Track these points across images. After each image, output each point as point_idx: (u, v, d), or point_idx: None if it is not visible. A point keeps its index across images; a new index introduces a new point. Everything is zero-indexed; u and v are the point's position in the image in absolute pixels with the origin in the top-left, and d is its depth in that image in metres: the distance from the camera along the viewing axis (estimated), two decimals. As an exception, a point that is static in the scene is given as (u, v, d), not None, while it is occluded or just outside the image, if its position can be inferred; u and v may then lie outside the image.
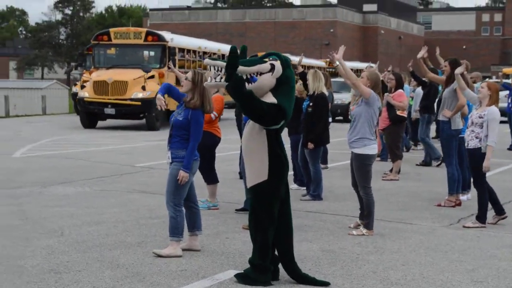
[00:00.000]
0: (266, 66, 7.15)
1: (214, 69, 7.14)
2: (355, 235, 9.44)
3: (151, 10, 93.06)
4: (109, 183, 13.77)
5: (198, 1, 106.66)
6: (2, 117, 35.27)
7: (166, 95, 8.54)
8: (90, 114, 28.36)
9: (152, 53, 29.90)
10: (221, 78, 7.11)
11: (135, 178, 14.57)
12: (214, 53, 33.77)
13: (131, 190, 13.02)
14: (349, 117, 10.12)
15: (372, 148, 9.47)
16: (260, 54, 45.32)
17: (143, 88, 27.30)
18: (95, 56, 30.05)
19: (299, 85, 12.88)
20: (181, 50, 30.87)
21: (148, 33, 29.51)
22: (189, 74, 8.33)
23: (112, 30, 30.41)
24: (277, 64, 7.16)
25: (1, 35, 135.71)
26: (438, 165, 16.70)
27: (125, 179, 14.43)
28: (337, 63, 9.72)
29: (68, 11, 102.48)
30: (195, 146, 8.20)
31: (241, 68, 7.06)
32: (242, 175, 13.83)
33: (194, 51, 32.36)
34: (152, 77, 28.01)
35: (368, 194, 9.53)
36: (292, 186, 12.96)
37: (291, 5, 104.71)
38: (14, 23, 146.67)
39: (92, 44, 30.61)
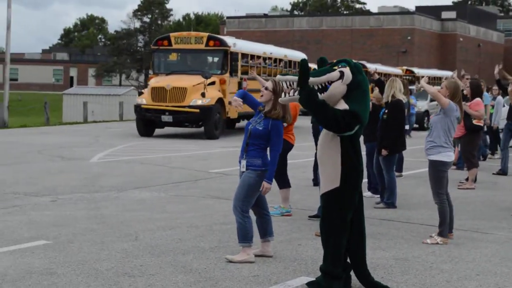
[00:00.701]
0: (335, 74, 7.14)
1: (286, 84, 7.18)
2: (429, 243, 9.34)
3: (228, 18, 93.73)
4: (184, 189, 13.92)
5: (274, 8, 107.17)
6: (80, 123, 35.99)
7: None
8: (147, 122, 27.32)
9: (213, 59, 29.07)
10: (294, 91, 7.15)
11: (209, 184, 14.70)
12: (281, 59, 33.45)
13: (205, 195, 13.13)
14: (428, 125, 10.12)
15: (447, 155, 9.42)
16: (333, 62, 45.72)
17: (203, 95, 26.25)
18: (154, 62, 29.16)
19: (376, 92, 12.88)
20: (245, 55, 29.93)
21: (209, 38, 28.61)
22: (269, 84, 8.34)
23: (172, 34, 29.50)
24: (346, 70, 7.14)
25: (81, 43, 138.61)
26: (494, 173, 16.80)
27: (200, 184, 14.56)
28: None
29: (146, 19, 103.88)
30: (277, 156, 8.21)
31: (311, 79, 7.08)
32: (315, 182, 13.88)
33: (259, 57, 31.46)
34: (213, 83, 27.02)
35: (442, 201, 9.45)
36: (366, 193, 12.89)
37: (368, 13, 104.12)
38: (94, 31, 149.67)
39: (152, 50, 29.87)
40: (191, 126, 27.68)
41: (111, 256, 8.44)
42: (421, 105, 33.19)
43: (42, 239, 9.26)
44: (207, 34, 29.72)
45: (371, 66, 39.97)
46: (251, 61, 30.36)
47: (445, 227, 9.46)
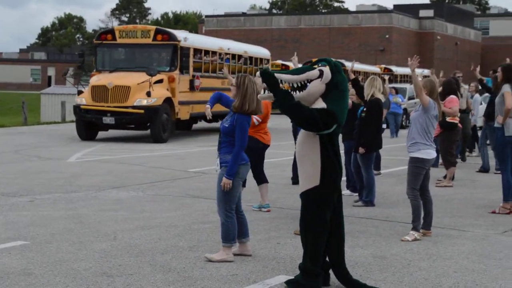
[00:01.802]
0: (315, 72, 7.17)
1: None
2: (410, 240, 9.39)
3: (206, 16, 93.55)
4: (162, 188, 13.89)
5: (253, 7, 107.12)
6: (58, 123, 35.82)
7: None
8: (88, 124, 24.94)
9: (162, 54, 26.59)
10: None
11: (188, 183, 14.67)
12: (240, 56, 31.48)
13: (184, 195, 13.11)
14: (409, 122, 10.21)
15: (427, 152, 9.51)
16: (315, 59, 45.46)
17: (148, 94, 23.87)
18: (97, 58, 26.78)
19: (353, 91, 12.92)
20: (198, 51, 27.58)
21: (157, 32, 26.15)
22: (234, 80, 8.39)
23: (117, 28, 27.28)
24: (326, 69, 7.17)
25: (59, 42, 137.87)
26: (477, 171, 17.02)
27: (179, 184, 14.54)
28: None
29: (124, 18, 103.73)
30: (239, 152, 8.18)
31: (290, 77, 7.11)
32: (294, 180, 13.91)
33: (214, 52, 29.05)
34: (161, 81, 24.85)
35: (415, 197, 9.61)
36: (345, 192, 12.92)
37: (346, 11, 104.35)
38: (72, 30, 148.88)
39: (95, 44, 27.26)
40: (136, 129, 25.76)
41: (89, 256, 8.41)
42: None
43: (20, 240, 9.20)
44: (154, 27, 27.13)
45: (348, 64, 40.09)
46: (205, 57, 28.27)
47: (419, 222, 9.63)
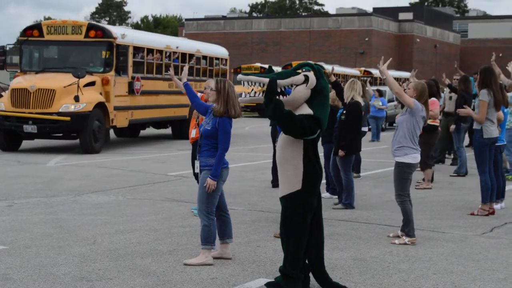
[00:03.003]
0: (300, 78, 7.15)
1: (248, 84, 7.16)
2: (397, 244, 9.39)
3: (186, 20, 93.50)
4: (142, 192, 13.86)
5: (233, 10, 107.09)
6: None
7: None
8: (8, 132, 21.72)
9: (95, 53, 23.03)
10: (255, 93, 7.17)
11: (168, 186, 14.65)
12: (192, 54, 28.43)
13: (163, 198, 13.09)
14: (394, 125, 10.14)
15: (412, 157, 9.47)
16: (294, 64, 45.14)
17: (76, 98, 20.76)
18: (23, 57, 23.39)
19: (332, 94, 12.89)
20: (139, 49, 24.53)
21: (90, 27, 22.76)
22: (212, 84, 8.39)
23: (44, 23, 23.66)
24: (311, 75, 7.17)
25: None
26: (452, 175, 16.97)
27: (158, 187, 14.51)
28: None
29: (104, 22, 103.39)
30: (223, 154, 8.24)
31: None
32: (274, 183, 13.94)
33: (160, 51, 25.94)
34: (92, 84, 21.75)
35: (403, 202, 9.52)
36: (325, 194, 12.95)
37: (326, 14, 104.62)
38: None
39: (20, 41, 23.83)
40: (63, 138, 22.53)
41: (68, 261, 8.38)
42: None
43: (-2, 245, 9.16)
44: (87, 22, 23.76)
45: (328, 67, 40.18)
46: (148, 57, 25.07)
47: (411, 227, 9.52)
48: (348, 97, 12.36)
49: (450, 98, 18.72)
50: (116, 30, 23.46)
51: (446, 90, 19.17)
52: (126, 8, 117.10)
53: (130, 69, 23.42)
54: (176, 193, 13.71)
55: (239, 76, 7.27)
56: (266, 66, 49.00)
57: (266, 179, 15.04)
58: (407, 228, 9.53)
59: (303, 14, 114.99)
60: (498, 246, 9.47)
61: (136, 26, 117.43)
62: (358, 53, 78.00)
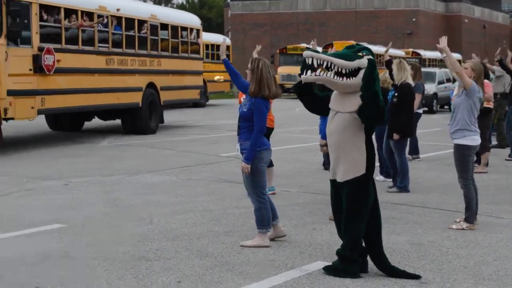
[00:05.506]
0: (364, 61, 7.04)
1: (317, 61, 7.00)
2: (455, 229, 9.26)
3: (231, 0, 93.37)
4: (195, 172, 13.91)
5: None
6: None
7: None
8: None
9: None
10: (321, 72, 7.01)
11: (220, 167, 14.68)
12: (143, 21, 21.86)
13: (217, 179, 13.12)
14: (451, 107, 9.92)
15: (473, 138, 9.25)
16: (337, 43, 44.60)
17: None
18: None
19: (383, 75, 12.71)
20: (52, 9, 17.90)
21: None
22: (249, 64, 8.33)
23: None
24: (374, 60, 7.09)
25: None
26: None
27: (211, 168, 14.55)
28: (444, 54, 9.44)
29: (149, 2, 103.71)
30: (257, 136, 8.10)
31: (342, 62, 6.94)
32: (326, 166, 13.90)
33: (89, 14, 19.24)
34: None
35: (467, 186, 9.33)
36: (379, 177, 12.88)
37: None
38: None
39: None
40: None
41: (126, 240, 8.44)
42: (429, 88, 33.02)
43: (57, 223, 9.26)
44: None
45: (377, 49, 39.84)
46: (66, 21, 18.35)
47: (471, 213, 9.35)
48: (399, 78, 12.20)
49: (498, 78, 18.43)
50: None
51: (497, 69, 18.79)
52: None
53: (35, 37, 16.96)
54: (228, 174, 13.71)
55: (306, 53, 7.03)
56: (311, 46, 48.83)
57: (318, 161, 14.99)
58: (467, 213, 9.37)
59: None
60: (557, 232, 9.32)
61: (181, 8, 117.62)
62: (405, 34, 77.26)
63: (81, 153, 16.54)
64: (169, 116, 26.87)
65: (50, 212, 9.97)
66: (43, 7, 17.35)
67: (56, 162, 15.02)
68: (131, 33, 21.12)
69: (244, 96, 8.91)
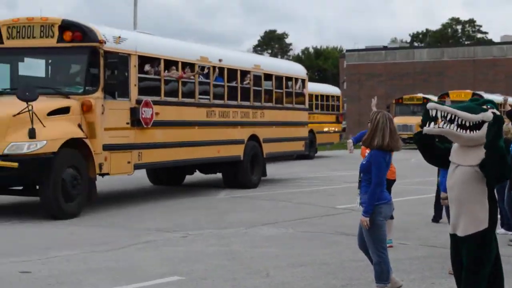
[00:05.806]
0: (489, 115, 6.92)
1: (441, 113, 6.92)
2: None
3: (347, 51, 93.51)
4: (311, 225, 13.91)
5: (394, 40, 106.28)
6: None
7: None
8: None
9: (72, 64, 16.54)
10: (444, 124, 6.91)
11: (336, 219, 14.64)
12: (247, 72, 21.34)
13: (333, 232, 13.08)
14: None
15: None
16: (452, 92, 43.88)
17: (31, 133, 13.84)
18: None
19: (505, 126, 12.46)
20: (151, 60, 17.42)
21: (65, 26, 15.65)
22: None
23: (4, 22, 16.18)
24: (499, 115, 6.96)
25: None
26: None
27: (327, 220, 14.52)
28: None
29: (266, 54, 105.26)
30: (374, 190, 8.04)
31: (466, 115, 6.83)
32: (436, 219, 13.80)
33: (191, 65, 18.73)
34: (65, 111, 14.90)
35: None
36: (499, 230, 12.54)
37: (490, 42, 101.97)
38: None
39: None
40: (22, 193, 15.45)
41: (244, 293, 8.51)
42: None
43: (176, 275, 9.41)
44: (60, 19, 15.88)
45: (495, 98, 39.05)
46: (165, 72, 17.77)
47: None
48: (521, 128, 11.95)
49: None
50: (106, 31, 16.02)
51: None
52: (287, 40, 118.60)
53: (134, 89, 16.47)
54: (345, 226, 13.64)
55: (430, 104, 6.90)
56: (429, 96, 48.35)
57: (429, 214, 14.72)
58: None
59: (466, 43, 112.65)
60: None
61: (297, 59, 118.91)
62: (526, 82, 75.43)
63: (198, 206, 16.82)
64: (277, 169, 27.04)
65: (170, 264, 10.15)
66: (142, 59, 16.95)
67: (174, 214, 15.32)
68: (233, 84, 20.62)
69: (368, 150, 8.91)
